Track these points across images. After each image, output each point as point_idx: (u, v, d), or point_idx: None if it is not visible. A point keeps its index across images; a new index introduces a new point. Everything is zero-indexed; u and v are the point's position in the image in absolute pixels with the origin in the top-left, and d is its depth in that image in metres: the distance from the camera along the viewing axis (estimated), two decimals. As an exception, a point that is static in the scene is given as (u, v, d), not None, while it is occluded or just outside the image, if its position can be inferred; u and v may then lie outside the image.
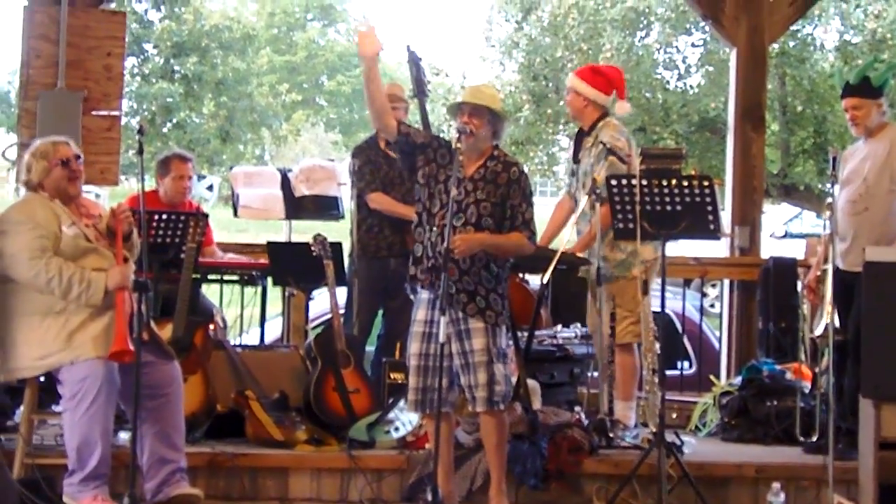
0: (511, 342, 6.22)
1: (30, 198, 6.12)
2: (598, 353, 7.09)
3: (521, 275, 7.54)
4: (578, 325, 7.64)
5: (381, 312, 8.03)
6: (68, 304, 5.89)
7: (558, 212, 7.53)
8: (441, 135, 7.96)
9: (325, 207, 8.42)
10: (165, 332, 6.80)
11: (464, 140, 6.06)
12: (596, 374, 7.17)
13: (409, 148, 6.23)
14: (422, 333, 6.09)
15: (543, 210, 7.77)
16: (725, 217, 8.80)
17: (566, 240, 7.01)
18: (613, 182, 6.48)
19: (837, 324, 6.44)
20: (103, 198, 20.63)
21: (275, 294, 8.51)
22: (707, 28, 16.94)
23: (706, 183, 6.35)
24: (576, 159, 7.32)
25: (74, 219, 6.07)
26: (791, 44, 19.80)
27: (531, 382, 6.92)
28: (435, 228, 6.04)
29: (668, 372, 7.59)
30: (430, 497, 5.79)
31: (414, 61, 7.88)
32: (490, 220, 6.05)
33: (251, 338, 8.66)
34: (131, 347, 5.74)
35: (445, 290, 5.80)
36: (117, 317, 5.85)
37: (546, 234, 7.35)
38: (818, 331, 6.65)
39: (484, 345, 6.02)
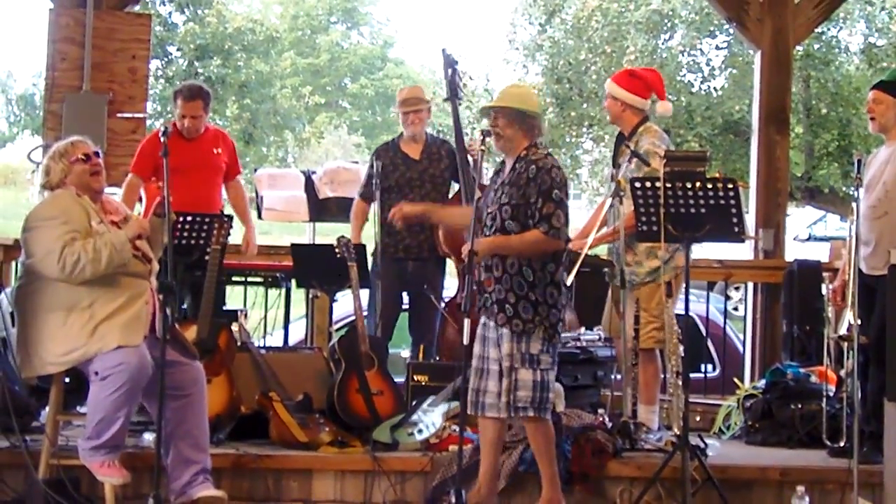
0: (548, 348, 6.16)
1: (59, 193, 6.08)
2: (621, 356, 7.08)
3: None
4: (601, 327, 7.63)
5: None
6: (95, 298, 5.89)
7: (597, 212, 7.44)
8: (467, 137, 7.97)
9: (348, 209, 8.43)
10: (190, 333, 6.83)
11: (494, 143, 6.07)
12: (619, 376, 7.15)
13: None
14: (482, 336, 6.13)
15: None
16: (749, 220, 8.78)
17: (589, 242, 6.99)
18: (637, 184, 6.46)
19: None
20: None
21: (299, 296, 8.53)
22: (731, 30, 16.89)
23: (730, 185, 6.33)
24: (615, 163, 7.28)
25: (102, 216, 6.07)
26: (815, 46, 19.76)
27: (555, 385, 6.90)
28: None
29: (692, 375, 7.58)
30: (453, 499, 5.79)
31: (449, 64, 7.88)
32: (513, 224, 5.99)
33: (275, 340, 8.68)
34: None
35: (469, 292, 5.79)
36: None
37: (581, 234, 7.25)
38: (841, 330, 6.64)
39: (508, 350, 6.00)
